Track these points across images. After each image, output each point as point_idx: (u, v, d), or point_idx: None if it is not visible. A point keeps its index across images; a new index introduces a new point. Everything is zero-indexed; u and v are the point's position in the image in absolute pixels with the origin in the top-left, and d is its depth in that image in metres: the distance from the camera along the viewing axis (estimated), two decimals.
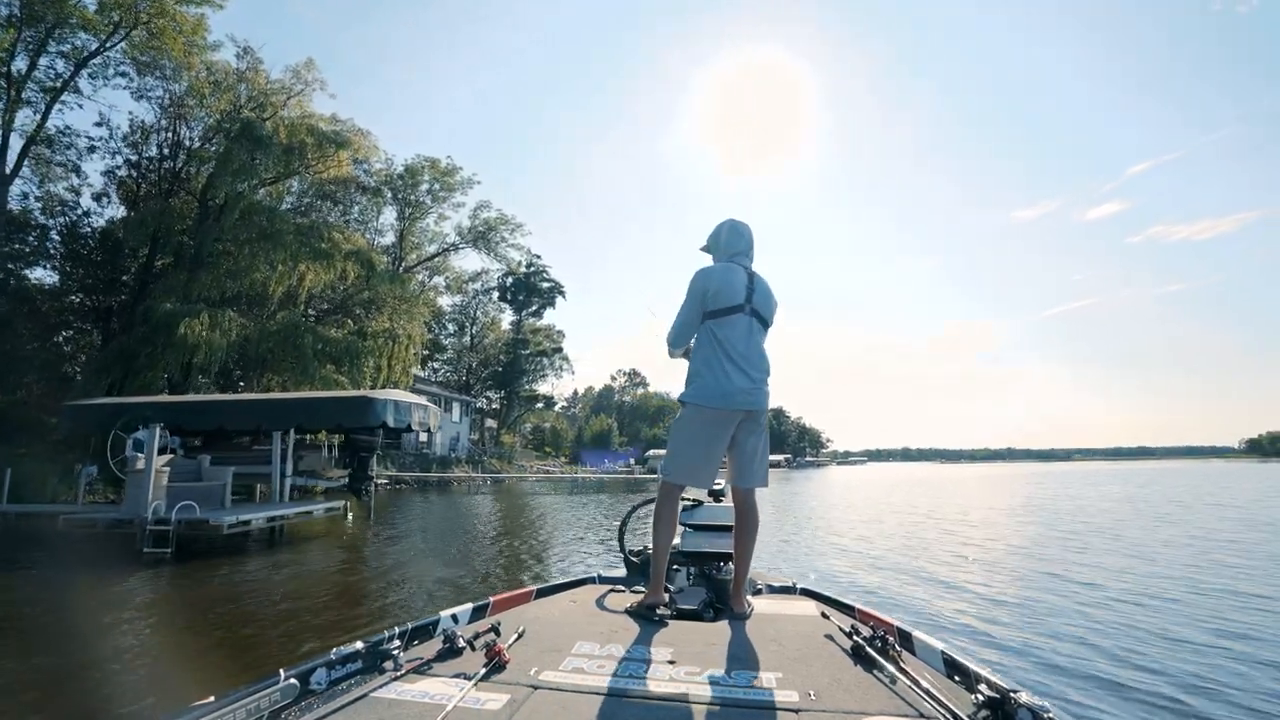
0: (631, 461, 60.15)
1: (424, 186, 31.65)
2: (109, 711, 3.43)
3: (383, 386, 19.93)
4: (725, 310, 2.40)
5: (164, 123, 23.27)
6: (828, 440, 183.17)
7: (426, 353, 45.87)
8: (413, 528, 12.69)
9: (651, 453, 60.18)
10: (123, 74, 20.33)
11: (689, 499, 3.04)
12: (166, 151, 23.57)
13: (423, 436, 41.05)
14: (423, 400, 12.24)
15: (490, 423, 55.18)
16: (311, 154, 21.88)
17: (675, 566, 2.87)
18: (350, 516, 13.02)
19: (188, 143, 23.59)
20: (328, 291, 25.61)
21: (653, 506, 2.52)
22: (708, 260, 2.66)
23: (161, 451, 11.14)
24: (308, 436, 12.92)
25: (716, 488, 3.22)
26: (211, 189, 20.11)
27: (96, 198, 24.56)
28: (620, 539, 3.42)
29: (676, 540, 2.73)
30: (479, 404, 52.52)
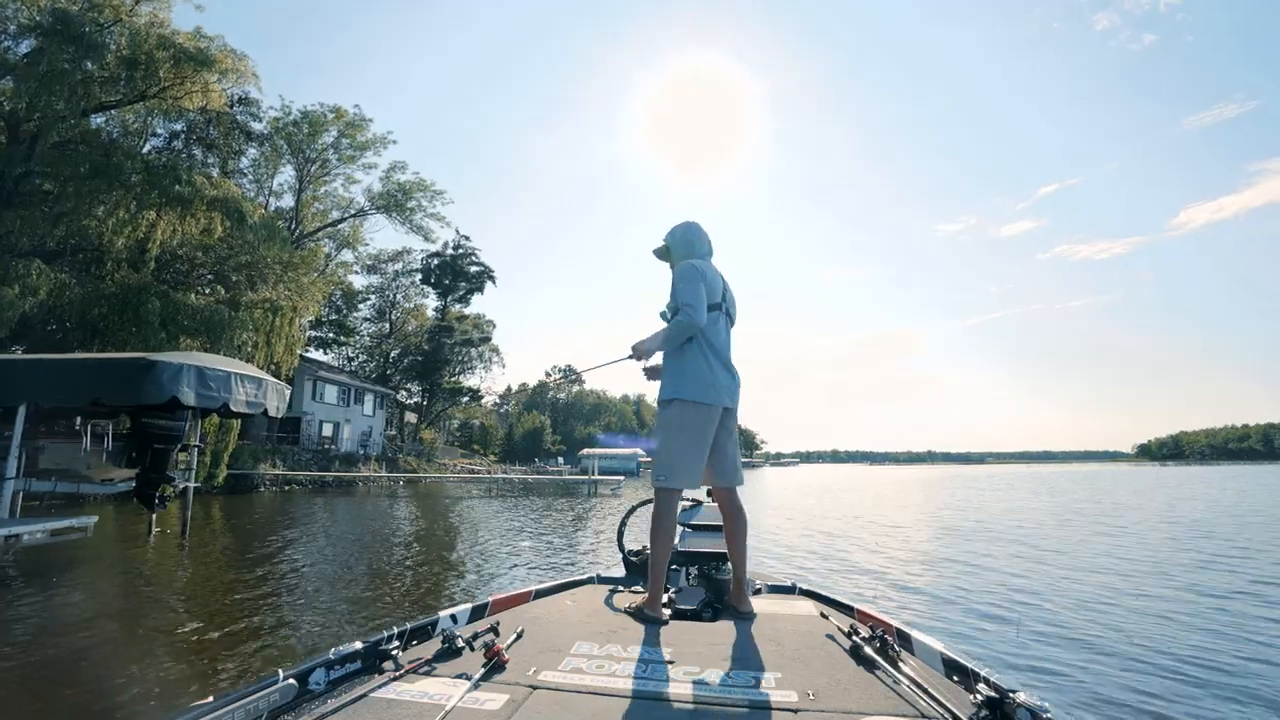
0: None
1: (327, 139, 27.10)
2: None
3: (262, 368, 15.83)
4: (712, 307, 2.37)
5: None
6: (761, 442, 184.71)
7: (333, 336, 40.90)
8: (253, 549, 9.05)
9: (585, 452, 57.17)
10: None
11: (687, 499, 3.14)
12: None
13: (326, 430, 36.23)
14: (256, 371, 8.63)
15: (411, 417, 50.42)
16: (166, 74, 17.44)
17: (675, 566, 2.81)
18: (152, 535, 9.25)
19: (10, 57, 18.70)
20: (198, 253, 21.16)
21: (651, 507, 2.39)
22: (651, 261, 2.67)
23: None
24: (84, 423, 8.96)
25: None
26: (17, 101, 15.42)
27: None
28: (619, 539, 3.23)
29: (675, 541, 2.73)
30: (399, 396, 47.79)
